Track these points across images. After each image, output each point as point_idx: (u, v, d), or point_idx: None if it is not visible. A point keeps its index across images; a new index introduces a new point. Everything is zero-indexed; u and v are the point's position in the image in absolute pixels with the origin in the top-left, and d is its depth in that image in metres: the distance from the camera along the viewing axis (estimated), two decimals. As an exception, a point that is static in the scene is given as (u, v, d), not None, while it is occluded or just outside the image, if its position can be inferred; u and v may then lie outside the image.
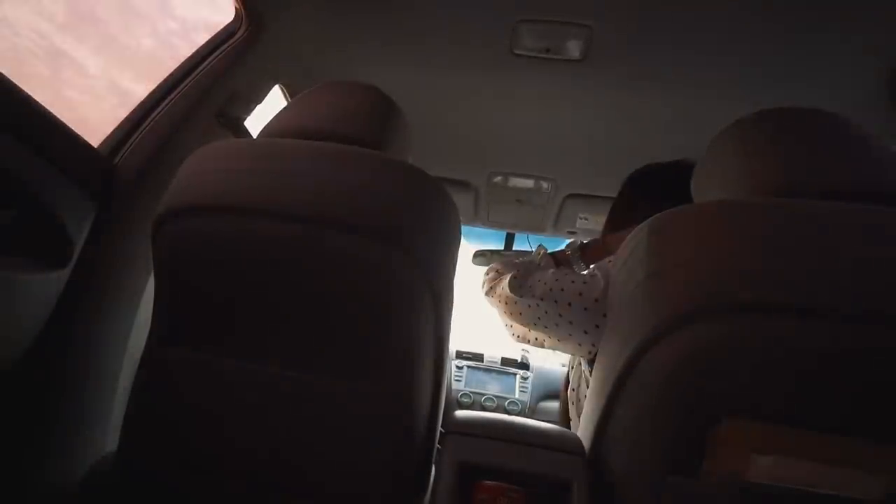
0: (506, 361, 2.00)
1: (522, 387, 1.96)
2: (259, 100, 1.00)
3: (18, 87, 0.61)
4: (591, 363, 0.74)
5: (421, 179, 0.57)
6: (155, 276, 0.61)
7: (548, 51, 0.91)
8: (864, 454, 0.41)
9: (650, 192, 0.83)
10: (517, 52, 0.92)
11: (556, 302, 0.71)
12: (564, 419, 0.95)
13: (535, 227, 1.72)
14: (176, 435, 0.58)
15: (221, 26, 0.93)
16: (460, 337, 2.04)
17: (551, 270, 0.77)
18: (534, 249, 1.93)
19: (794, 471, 0.41)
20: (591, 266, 0.86)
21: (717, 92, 0.98)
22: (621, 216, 0.88)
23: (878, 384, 0.40)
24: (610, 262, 0.70)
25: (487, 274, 0.91)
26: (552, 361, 2.04)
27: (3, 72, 0.60)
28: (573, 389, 0.89)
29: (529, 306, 0.75)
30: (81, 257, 0.70)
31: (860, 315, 0.40)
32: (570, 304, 0.70)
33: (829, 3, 0.75)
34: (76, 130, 0.69)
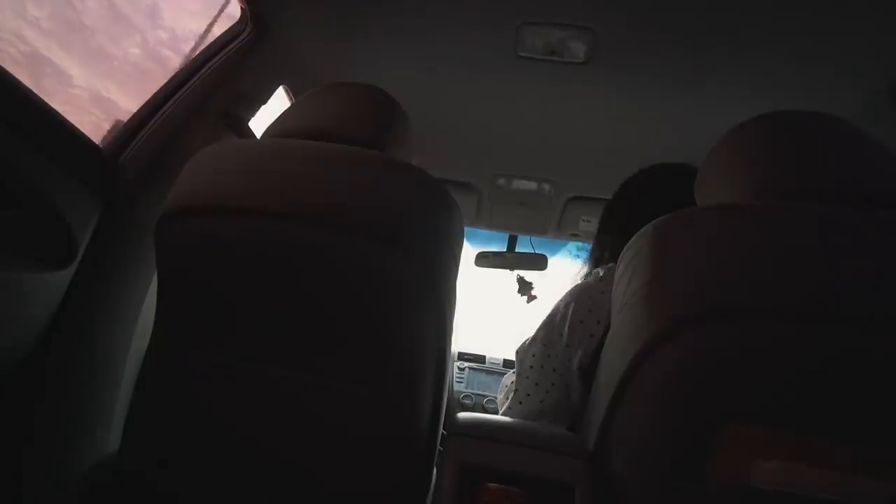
0: (508, 363, 1.99)
1: (524, 389, 1.94)
2: (263, 100, 1.00)
3: (23, 85, 0.61)
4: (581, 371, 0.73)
5: (424, 181, 0.57)
6: (158, 275, 0.61)
7: (552, 53, 0.91)
8: (869, 459, 0.40)
9: (658, 192, 0.79)
10: (521, 54, 0.92)
11: None
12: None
13: (537, 230, 1.72)
14: (177, 435, 0.58)
15: (211, 36, 0.93)
16: (462, 338, 2.04)
17: None
18: (536, 251, 1.91)
19: (799, 476, 0.41)
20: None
21: (720, 95, 0.98)
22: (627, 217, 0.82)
23: (881, 389, 0.40)
24: None
25: None
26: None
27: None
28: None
29: None
30: (85, 256, 0.70)
31: (862, 319, 0.39)
32: None
33: (832, 9, 0.75)
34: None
